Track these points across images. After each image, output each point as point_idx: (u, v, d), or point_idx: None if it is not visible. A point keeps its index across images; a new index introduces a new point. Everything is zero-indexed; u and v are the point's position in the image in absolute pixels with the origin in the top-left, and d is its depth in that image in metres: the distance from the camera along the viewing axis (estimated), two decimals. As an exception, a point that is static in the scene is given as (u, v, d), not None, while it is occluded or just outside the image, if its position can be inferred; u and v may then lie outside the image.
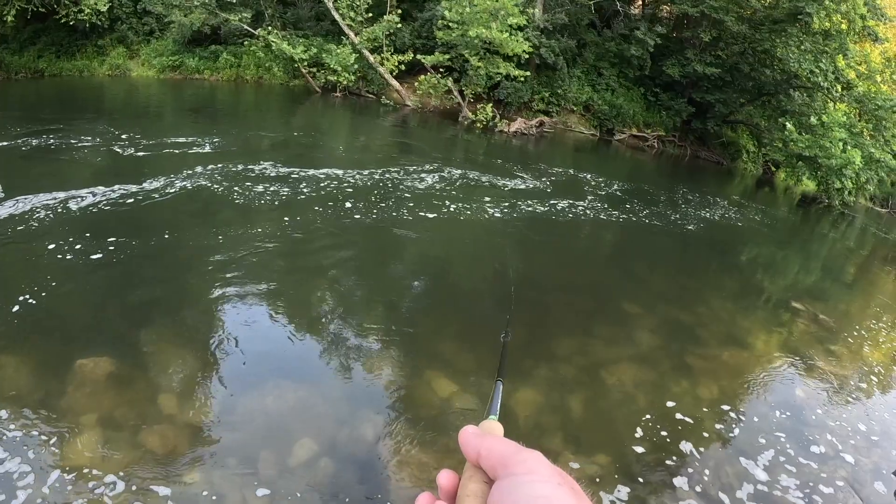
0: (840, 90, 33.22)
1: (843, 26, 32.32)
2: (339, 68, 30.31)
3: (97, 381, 6.07)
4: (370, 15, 30.80)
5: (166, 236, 9.73)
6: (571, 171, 22.30)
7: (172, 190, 11.68)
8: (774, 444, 7.41)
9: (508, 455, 0.91)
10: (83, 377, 6.07)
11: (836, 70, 32.10)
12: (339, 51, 30.14)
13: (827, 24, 31.81)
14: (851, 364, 10.74)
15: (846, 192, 30.52)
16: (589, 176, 21.53)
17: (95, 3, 28.85)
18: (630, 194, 20.21)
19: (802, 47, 32.15)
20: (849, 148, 28.64)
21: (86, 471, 4.99)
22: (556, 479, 0.85)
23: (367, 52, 31.09)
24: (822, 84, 32.30)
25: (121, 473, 5.03)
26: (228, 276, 8.88)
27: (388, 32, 30.86)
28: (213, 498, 5.01)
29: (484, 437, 0.97)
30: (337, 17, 31.00)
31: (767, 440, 7.48)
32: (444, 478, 1.00)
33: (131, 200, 10.81)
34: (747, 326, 11.62)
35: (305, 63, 31.35)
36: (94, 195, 10.75)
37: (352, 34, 30.98)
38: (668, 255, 15.40)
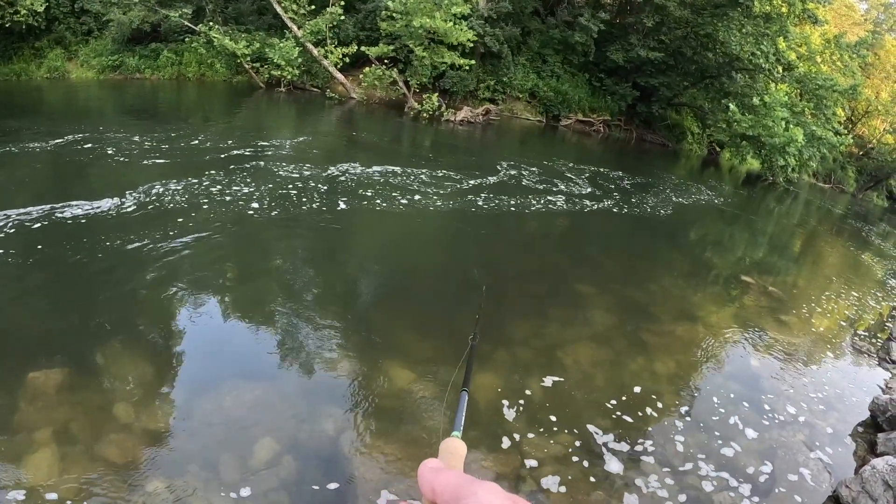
0: (781, 71, 33.92)
1: (784, 9, 32.99)
2: (283, 63, 29.91)
3: (49, 394, 5.86)
4: (313, 7, 30.49)
5: (110, 245, 9.38)
6: (518, 158, 22.29)
7: (115, 199, 11.26)
8: (733, 414, 7.50)
9: (460, 488, 0.88)
10: (35, 391, 5.86)
11: (777, 52, 32.78)
12: (282, 45, 29.79)
13: (767, 7, 32.48)
14: (802, 332, 10.93)
15: (790, 169, 31.21)
16: (536, 163, 21.56)
17: (31, 4, 28.06)
18: (578, 179, 20.28)
19: (744, 30, 32.71)
20: (791, 126, 29.27)
21: (44, 489, 4.81)
22: None
23: (310, 46, 30.77)
24: (763, 66, 32.94)
25: (81, 488, 4.86)
26: (177, 280, 8.67)
27: (331, 25, 30.59)
28: (177, 506, 4.91)
29: (440, 473, 0.94)
30: (279, 10, 30.60)
31: (726, 410, 7.57)
32: None
33: (72, 211, 10.44)
34: (699, 301, 11.76)
35: (248, 58, 30.97)
36: (33, 208, 10.37)
37: (294, 27, 30.61)
38: (618, 238, 15.50)
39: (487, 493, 0.83)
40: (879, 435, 7.43)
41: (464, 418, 1.42)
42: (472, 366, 2.08)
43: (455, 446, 1.21)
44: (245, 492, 5.08)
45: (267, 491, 5.13)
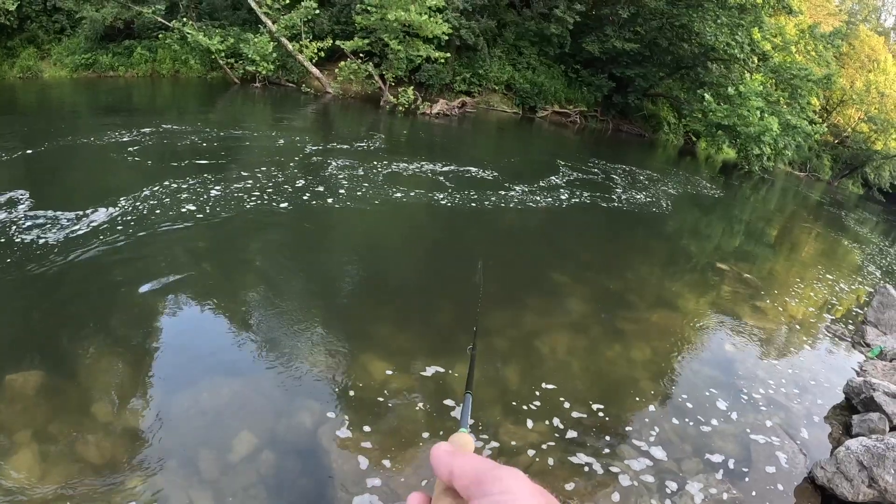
0: (756, 61, 34.18)
1: (758, 0, 33.09)
2: (258, 58, 29.78)
3: (28, 396, 5.80)
4: (287, 1, 30.20)
5: (84, 247, 9.21)
6: (494, 150, 22.39)
7: (88, 201, 11.00)
8: (709, 398, 7.53)
9: (483, 473, 0.83)
10: (13, 393, 5.79)
11: (752, 42, 32.98)
12: (256, 40, 29.64)
13: (742, -2, 32.64)
14: (777, 318, 11.03)
15: (765, 158, 31.46)
16: (512, 154, 21.60)
17: (3, 3, 27.75)
18: (553, 170, 20.30)
19: (719, 21, 32.86)
20: (766, 116, 29.49)
21: (25, 490, 4.77)
22: (536, 498, 0.77)
23: (285, 41, 30.61)
24: (738, 56, 33.14)
25: (62, 489, 4.81)
26: (152, 278, 8.56)
27: (306, 19, 30.41)
28: (158, 502, 4.87)
29: (457, 455, 0.89)
30: (253, 4, 30.43)
31: (702, 394, 7.61)
32: (415, 501, 0.93)
33: (46, 213, 10.26)
34: (675, 289, 11.82)
35: (223, 54, 30.71)
36: (6, 212, 10.28)
37: (269, 22, 30.46)
38: (595, 228, 15.55)
39: (514, 480, 0.80)
40: (854, 417, 7.49)
41: (469, 417, 1.46)
42: (474, 370, 2.14)
43: (465, 439, 1.20)
44: (225, 486, 5.05)
45: (246, 485, 5.10)
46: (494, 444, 6.01)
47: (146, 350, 6.91)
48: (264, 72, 30.62)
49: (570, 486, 5.66)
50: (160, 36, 31.62)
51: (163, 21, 30.72)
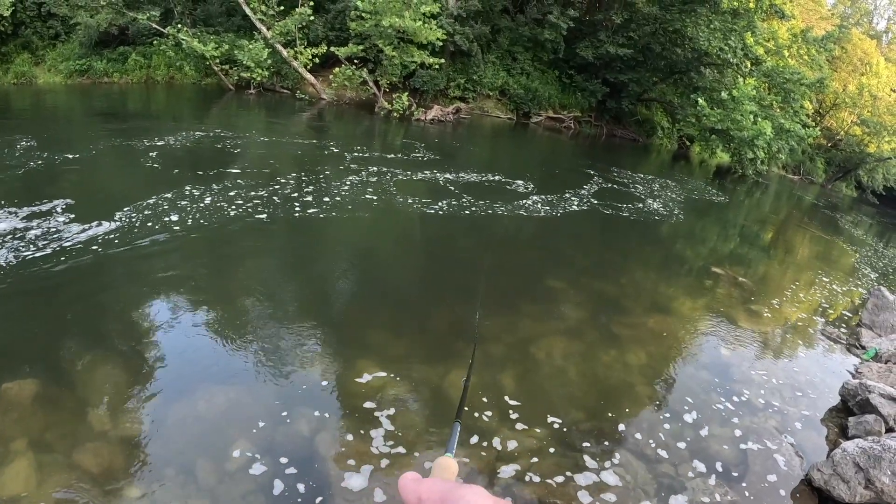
0: (749, 66, 34.27)
1: (751, 5, 33.30)
2: (252, 64, 29.76)
3: (24, 404, 5.78)
4: (282, 8, 30.26)
5: (78, 255, 9.15)
6: (489, 156, 22.35)
7: (82, 209, 10.97)
8: (705, 402, 7.56)
9: (447, 493, 0.88)
10: (9, 402, 5.77)
11: (745, 47, 33.09)
12: (251, 46, 29.61)
13: (735, 3, 32.77)
14: (773, 321, 11.06)
15: (759, 162, 31.51)
16: (507, 160, 21.61)
17: (-2, 8, 27.79)
18: (549, 176, 20.35)
19: (712, 26, 32.98)
20: (759, 120, 29.55)
21: (21, 499, 4.75)
22: None
23: (279, 47, 30.60)
24: (731, 60, 33.27)
25: (58, 498, 4.82)
26: (147, 287, 8.55)
27: (300, 25, 30.45)
28: (155, 512, 4.87)
29: (422, 481, 0.94)
30: (248, 11, 30.39)
31: (698, 398, 7.63)
32: None
33: (39, 221, 10.24)
34: (670, 293, 11.84)
35: (217, 60, 30.75)
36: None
37: (264, 28, 30.43)
38: (589, 233, 15.54)
39: (475, 497, 0.84)
40: (850, 419, 7.53)
41: (455, 444, 1.53)
42: (465, 401, 2.20)
43: (448, 463, 1.30)
44: (222, 495, 5.06)
45: (244, 493, 5.10)
46: (492, 448, 6.03)
47: (142, 358, 6.89)
48: (259, 78, 30.60)
49: (566, 490, 5.68)
50: (155, 42, 31.62)
51: (157, 27, 30.73)
